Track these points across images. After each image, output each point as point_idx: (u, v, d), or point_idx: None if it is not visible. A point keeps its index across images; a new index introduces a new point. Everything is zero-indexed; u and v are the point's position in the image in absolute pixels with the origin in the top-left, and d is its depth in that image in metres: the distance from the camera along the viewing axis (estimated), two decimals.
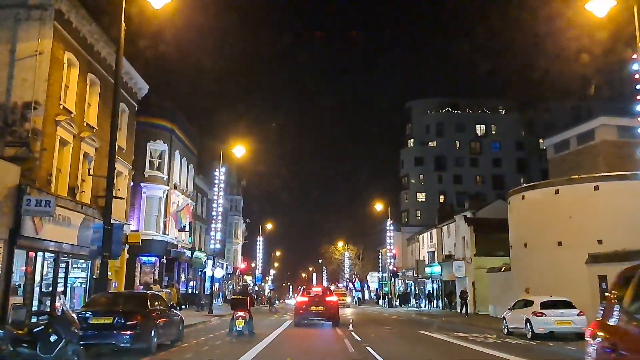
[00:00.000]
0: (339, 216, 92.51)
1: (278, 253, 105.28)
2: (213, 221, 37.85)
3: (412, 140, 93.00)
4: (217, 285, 56.76)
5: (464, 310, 37.60)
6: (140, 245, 34.40)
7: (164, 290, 31.16)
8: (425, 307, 47.47)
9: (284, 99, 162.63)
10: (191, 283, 47.45)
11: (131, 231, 29.05)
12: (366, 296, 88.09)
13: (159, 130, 36.75)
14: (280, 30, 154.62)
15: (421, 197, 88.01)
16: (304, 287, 31.50)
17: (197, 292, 44.46)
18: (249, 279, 74.88)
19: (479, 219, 41.92)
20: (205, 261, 48.56)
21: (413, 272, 58.39)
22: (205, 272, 49.66)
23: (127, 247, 28.66)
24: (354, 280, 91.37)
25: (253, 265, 77.10)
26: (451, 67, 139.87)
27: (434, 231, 54.81)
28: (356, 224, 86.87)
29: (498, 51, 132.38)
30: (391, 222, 59.80)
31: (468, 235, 41.64)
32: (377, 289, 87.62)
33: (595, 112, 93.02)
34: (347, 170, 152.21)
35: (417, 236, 61.90)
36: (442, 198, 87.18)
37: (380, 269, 79.72)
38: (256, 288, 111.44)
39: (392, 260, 56.32)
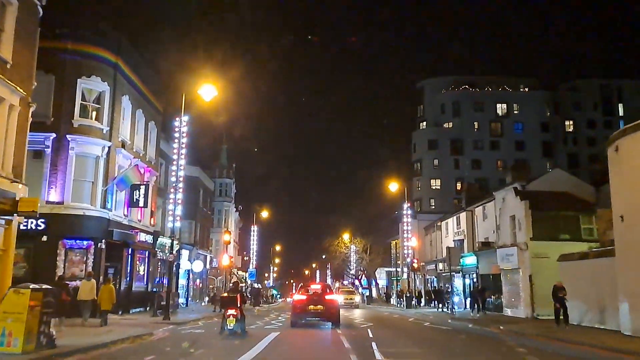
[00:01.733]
0: (345, 207, 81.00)
1: (278, 247, 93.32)
2: (172, 190, 26.20)
3: (425, 122, 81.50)
4: (198, 281, 45.25)
5: (475, 313, 31.35)
6: (68, 224, 23.38)
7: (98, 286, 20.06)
8: (445, 308, 35.80)
9: (290, 81, 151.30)
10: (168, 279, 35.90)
11: (22, 197, 17.51)
12: (373, 294, 76.48)
13: (95, 63, 25.19)
14: (286, 14, 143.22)
15: (435, 184, 76.46)
16: (302, 284, 28.07)
17: (157, 290, 32.72)
18: (243, 275, 63.37)
19: (536, 192, 30.33)
20: (177, 250, 37.05)
21: (436, 266, 46.84)
22: (178, 264, 38.19)
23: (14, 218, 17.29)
24: (360, 277, 79.86)
25: (246, 259, 65.63)
26: (465, 44, 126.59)
27: (463, 215, 43.19)
28: (363, 215, 75.39)
29: (518, 26, 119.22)
30: (409, 205, 48.19)
31: (521, 213, 30.05)
32: (385, 287, 76.37)
33: (625, 91, 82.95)
34: (353, 159, 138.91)
35: (438, 223, 50.27)
36: (458, 185, 75.73)
37: (393, 262, 68.07)
38: (256, 285, 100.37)
39: (411, 252, 44.65)
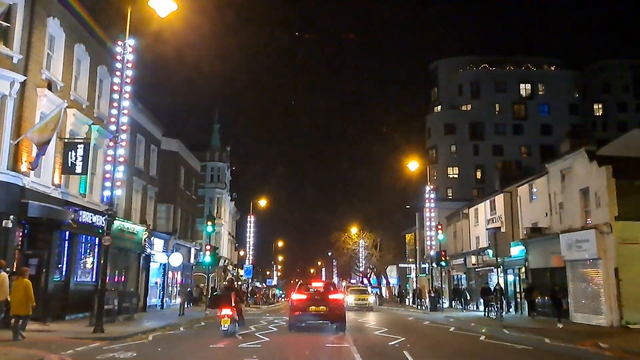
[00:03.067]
0: (353, 200, 72.40)
1: (281, 244, 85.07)
2: (112, 144, 17.89)
3: (440, 107, 73.18)
4: (180, 278, 37.16)
5: (491, 313, 26.92)
6: None
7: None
8: (492, 311, 27.35)
9: (296, 65, 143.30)
10: (131, 274, 27.80)
11: None
12: (384, 293, 68.08)
13: None
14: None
15: (453, 172, 68.18)
16: (301, 281, 22.26)
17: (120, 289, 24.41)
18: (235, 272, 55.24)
19: (618, 158, 22.02)
20: (146, 239, 28.97)
21: (465, 260, 38.50)
22: (149, 256, 30.09)
23: None
24: (369, 275, 71.59)
25: (242, 254, 57.52)
26: (481, 22, 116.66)
27: (499, 198, 34.91)
28: (373, 208, 67.00)
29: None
30: (432, 187, 39.96)
31: (599, 184, 21.73)
32: (397, 285, 68.14)
33: None
34: (361, 149, 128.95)
35: (465, 211, 42.00)
36: (478, 173, 67.52)
37: (408, 258, 59.86)
38: (258, 284, 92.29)
39: (438, 242, 36.33)
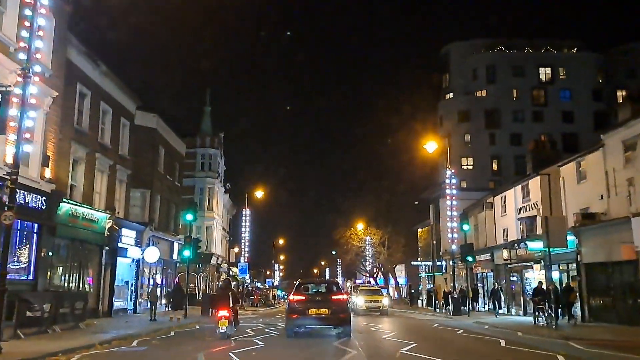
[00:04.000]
0: (359, 194, 66.40)
1: (282, 242, 79.61)
2: (20, 79, 12.42)
3: (452, 94, 67.68)
4: (159, 277, 31.83)
5: (541, 320, 20.80)
6: None
7: None
8: (543, 316, 21.77)
9: (299, 50, 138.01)
10: (85, 272, 22.48)
11: None
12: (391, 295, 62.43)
13: None
14: None
15: (467, 163, 62.56)
16: (299, 280, 19.25)
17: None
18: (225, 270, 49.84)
19: None
20: (112, 229, 23.64)
21: (492, 255, 32.92)
22: (116, 250, 24.75)
23: None
24: (376, 275, 66.28)
25: (236, 251, 52.13)
26: (496, 3, 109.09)
27: (534, 181, 29.47)
28: (381, 203, 61.76)
29: None
30: (453, 171, 34.53)
31: None
32: (407, 286, 62.71)
33: None
34: (367, 140, 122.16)
35: (489, 200, 36.55)
36: (495, 164, 62.01)
37: (420, 255, 54.43)
38: (259, 285, 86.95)
39: (464, 233, 30.80)
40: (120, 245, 24.90)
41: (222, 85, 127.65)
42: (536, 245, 24.20)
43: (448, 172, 33.31)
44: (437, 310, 35.09)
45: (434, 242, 43.68)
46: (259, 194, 43.61)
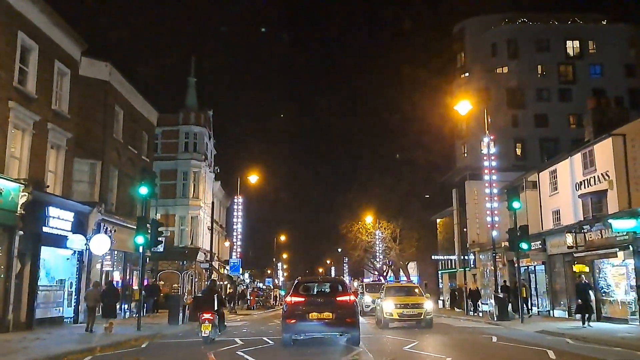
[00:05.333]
0: (368, 185, 58.94)
1: (283, 237, 72.29)
2: None
3: (467, 74, 60.28)
4: (117, 275, 24.59)
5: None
6: None
7: None
8: None
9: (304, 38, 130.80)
10: None
11: None
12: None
13: None
14: None
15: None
16: (298, 279, 16.21)
17: None
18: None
19: None
20: (26, 203, 16.41)
21: (544, 243, 25.36)
22: (39, 236, 17.55)
23: None
24: (386, 273, 59.00)
25: (227, 245, 44.91)
26: None
27: (602, 146, 22.14)
28: (392, 194, 54.59)
29: None
30: (491, 138, 27.28)
31: None
32: (421, 284, 55.23)
33: None
34: (375, 125, 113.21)
35: (530, 178, 29.29)
36: (518, 149, 54.62)
37: (441, 249, 47.03)
38: (261, 286, 79.79)
39: (513, 213, 23.14)
40: (46, 229, 17.71)
41: (220, 78, 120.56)
42: (625, 225, 16.87)
43: (486, 140, 26.03)
44: (472, 312, 27.76)
45: (458, 232, 36.39)
46: (254, 178, 36.21)
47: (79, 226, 19.93)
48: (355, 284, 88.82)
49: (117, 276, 23.72)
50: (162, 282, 39.23)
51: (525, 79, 55.02)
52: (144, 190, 18.03)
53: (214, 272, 43.04)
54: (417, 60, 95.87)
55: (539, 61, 55.80)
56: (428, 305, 19.00)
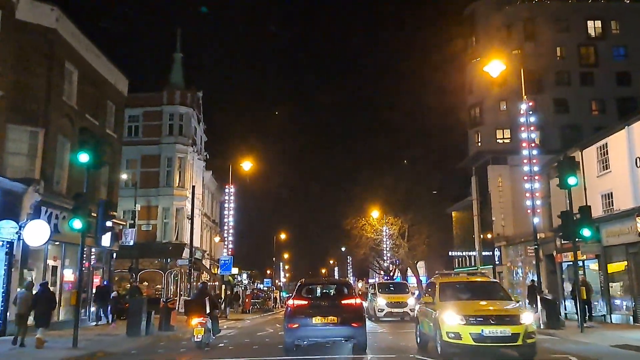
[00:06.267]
0: (374, 178, 54.01)
1: (283, 236, 67.38)
2: None
3: (479, 59, 55.34)
4: (71, 273, 19.50)
5: None
6: None
7: None
8: None
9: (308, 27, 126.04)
10: None
11: None
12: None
13: None
14: None
15: (503, 135, 50.12)
16: (301, 281, 14.48)
17: None
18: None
19: None
20: None
21: (598, 231, 20.42)
22: None
23: None
24: (392, 273, 54.13)
25: (217, 240, 40.11)
26: None
27: None
28: (399, 187, 49.80)
29: None
30: (530, 104, 22.47)
31: None
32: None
33: None
34: (383, 118, 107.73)
35: (580, 150, 24.45)
36: (537, 138, 49.53)
37: (457, 245, 42.06)
38: (262, 287, 75.20)
39: (566, 189, 18.19)
40: None
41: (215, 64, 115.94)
42: None
43: (524, 106, 21.28)
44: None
45: (479, 224, 31.51)
46: (247, 166, 31.34)
47: (9, 210, 15.13)
48: (360, 284, 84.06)
49: (69, 275, 18.89)
50: (145, 284, 34.57)
51: (543, 61, 50.14)
52: (84, 157, 13.18)
53: (204, 272, 38.24)
54: (425, 50, 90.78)
55: (557, 42, 50.91)
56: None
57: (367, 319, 23.13)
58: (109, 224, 14.29)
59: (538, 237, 23.45)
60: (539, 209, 19.87)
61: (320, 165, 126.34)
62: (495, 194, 30.51)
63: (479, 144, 50.04)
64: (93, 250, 20.45)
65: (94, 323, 18.63)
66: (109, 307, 19.23)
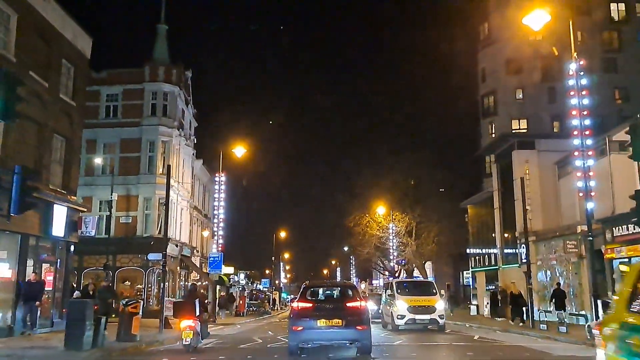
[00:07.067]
0: (379, 172, 49.91)
1: (283, 234, 63.30)
2: None
3: (492, 46, 51.31)
4: (32, 275, 15.38)
5: None
6: None
7: None
8: None
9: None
10: None
11: None
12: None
13: None
14: None
15: (520, 125, 46.10)
16: (306, 282, 14.42)
17: None
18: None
19: None
20: None
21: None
22: None
23: None
24: (398, 273, 50.11)
25: (205, 234, 36.06)
26: None
27: None
28: (407, 182, 45.85)
29: None
30: (581, 63, 18.36)
31: None
32: (451, 289, 46.22)
33: None
34: (390, 110, 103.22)
35: (616, 137, 20.44)
36: (555, 128, 45.62)
37: (473, 241, 37.84)
38: (262, 288, 71.47)
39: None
40: None
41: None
42: None
43: (573, 66, 17.24)
44: (516, 321, 18.93)
45: (501, 218, 27.41)
46: (240, 152, 27.26)
47: None
48: (363, 286, 79.87)
49: (4, 271, 14.83)
50: (128, 283, 30.58)
51: (563, 46, 46.07)
52: None
53: (193, 271, 34.30)
54: (435, 41, 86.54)
55: (578, 26, 46.84)
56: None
57: (382, 327, 19.11)
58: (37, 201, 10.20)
59: (580, 230, 19.41)
60: (592, 192, 15.73)
61: (323, 162, 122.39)
62: (521, 182, 26.44)
63: (493, 134, 45.96)
64: (41, 241, 16.43)
65: (22, 331, 14.56)
66: (39, 311, 15.14)
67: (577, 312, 20.96)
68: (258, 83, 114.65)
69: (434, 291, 20.41)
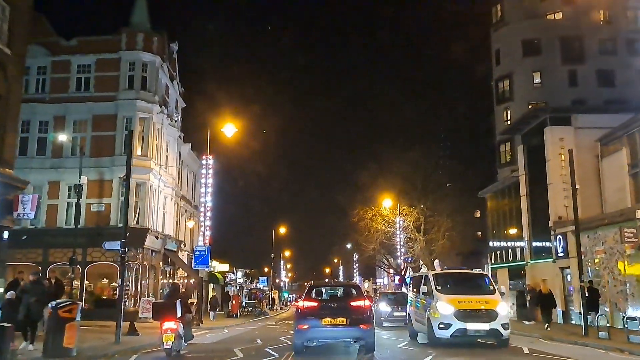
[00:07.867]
0: (385, 163, 45.84)
1: (283, 230, 59.23)
2: None
3: (505, 29, 47.25)
4: None
5: None
6: None
7: None
8: None
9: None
10: None
11: None
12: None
13: None
14: None
15: None
16: (310, 282, 15.95)
17: None
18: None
19: None
20: None
21: None
22: None
23: None
24: (404, 271, 46.19)
25: (190, 225, 32.00)
26: None
27: None
28: (416, 173, 41.76)
29: None
30: None
31: None
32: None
33: None
34: (397, 103, 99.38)
35: None
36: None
37: (492, 234, 33.69)
38: (261, 287, 67.76)
39: None
40: None
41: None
42: None
43: None
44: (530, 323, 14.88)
45: (528, 207, 23.32)
46: (231, 130, 23.22)
47: None
48: (366, 284, 75.81)
49: None
50: (106, 281, 26.60)
51: (584, 27, 42.02)
52: None
53: (179, 267, 30.32)
54: (446, 28, 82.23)
55: (602, 5, 42.87)
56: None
57: (411, 337, 15.25)
58: None
59: (627, 218, 15.33)
60: None
61: (325, 158, 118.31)
62: (555, 163, 22.38)
63: (508, 121, 41.91)
64: None
65: None
66: None
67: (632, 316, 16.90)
68: (260, 67, 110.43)
69: (492, 288, 14.34)
